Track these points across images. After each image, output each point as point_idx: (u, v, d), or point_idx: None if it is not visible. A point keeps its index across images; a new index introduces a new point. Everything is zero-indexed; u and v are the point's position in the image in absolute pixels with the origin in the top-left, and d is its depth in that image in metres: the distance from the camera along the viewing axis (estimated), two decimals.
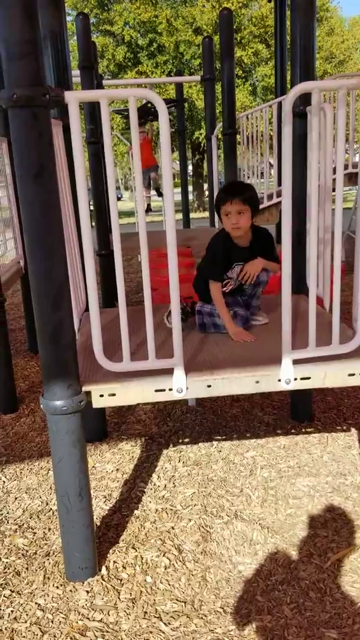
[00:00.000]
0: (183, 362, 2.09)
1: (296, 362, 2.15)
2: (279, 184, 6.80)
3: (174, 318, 2.04)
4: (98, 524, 2.56)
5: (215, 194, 6.87)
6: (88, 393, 2.11)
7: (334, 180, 2.27)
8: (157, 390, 2.12)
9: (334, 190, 2.16)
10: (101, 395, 2.11)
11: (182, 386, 2.11)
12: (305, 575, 2.18)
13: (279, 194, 6.49)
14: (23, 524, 2.61)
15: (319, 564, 2.24)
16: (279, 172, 7.20)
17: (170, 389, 2.12)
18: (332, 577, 2.16)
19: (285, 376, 2.14)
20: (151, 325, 2.06)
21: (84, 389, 2.09)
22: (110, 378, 2.13)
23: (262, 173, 7.70)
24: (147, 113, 8.78)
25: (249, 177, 7.62)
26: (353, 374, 2.18)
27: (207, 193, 24.17)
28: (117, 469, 3.02)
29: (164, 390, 2.12)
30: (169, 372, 2.11)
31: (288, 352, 2.10)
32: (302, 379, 2.17)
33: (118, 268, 2.01)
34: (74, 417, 2.02)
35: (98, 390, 2.11)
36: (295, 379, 2.16)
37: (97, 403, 2.12)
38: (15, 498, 2.83)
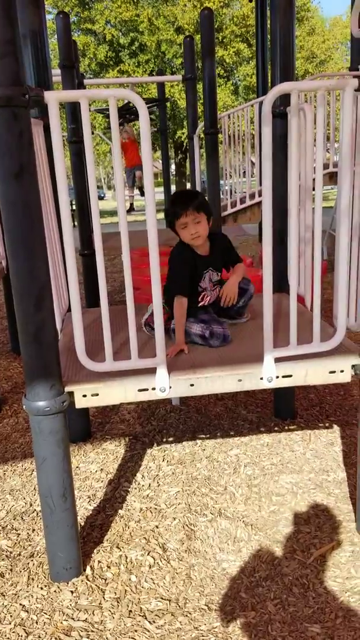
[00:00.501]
0: (166, 361, 2.10)
1: (278, 360, 2.17)
2: (261, 183, 6.85)
3: (156, 318, 2.05)
4: (82, 524, 2.56)
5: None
6: (71, 393, 2.11)
7: (314, 179, 2.30)
8: (140, 390, 2.12)
9: (314, 189, 2.18)
10: (84, 396, 2.11)
11: (165, 385, 2.12)
12: (288, 571, 2.21)
13: (260, 193, 6.53)
14: (7, 525, 2.60)
15: (302, 559, 2.26)
16: (260, 171, 7.28)
17: (154, 389, 2.12)
18: (315, 573, 2.19)
19: (267, 374, 2.16)
20: (133, 325, 2.06)
21: (67, 389, 2.09)
22: (93, 378, 2.13)
23: (244, 172, 7.74)
24: (130, 112, 8.76)
25: (231, 176, 7.65)
26: (334, 371, 2.20)
27: None
28: (101, 469, 3.02)
29: (147, 389, 2.12)
30: (151, 371, 2.11)
31: (270, 350, 2.12)
32: (284, 376, 2.19)
33: (100, 268, 2.01)
34: (57, 418, 2.02)
35: (81, 390, 2.11)
36: (277, 377, 2.17)
37: (80, 403, 2.12)
38: None
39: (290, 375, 2.18)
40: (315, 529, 2.42)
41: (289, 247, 2.71)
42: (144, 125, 1.86)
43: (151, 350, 2.21)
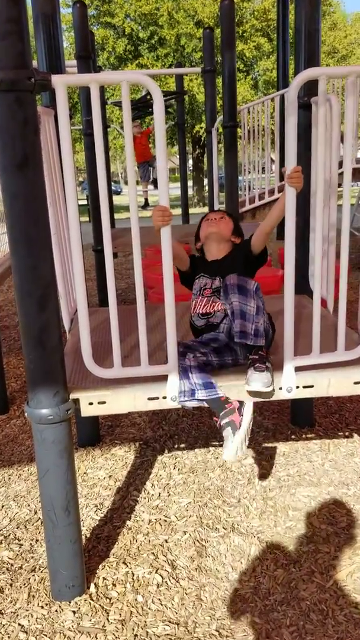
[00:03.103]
0: (177, 368, 1.95)
1: (298, 369, 2.02)
2: (281, 179, 6.64)
3: (168, 320, 1.90)
4: (88, 535, 2.43)
5: (216, 188, 6.75)
6: (76, 400, 1.97)
7: (339, 175, 2.14)
8: (150, 399, 1.98)
9: (339, 185, 2.02)
10: (90, 404, 1.97)
11: (176, 394, 1.97)
12: (306, 595, 2.05)
13: (280, 190, 6.34)
14: (9, 535, 2.48)
15: (321, 582, 2.11)
16: (280, 167, 7.07)
17: (164, 397, 1.98)
18: (335, 598, 2.03)
19: (287, 384, 2.00)
20: (144, 329, 1.92)
21: (72, 396, 1.95)
22: (100, 384, 2.00)
23: (263, 168, 7.55)
24: (147, 106, 8.60)
25: (249, 172, 7.47)
26: (359, 382, 2.04)
27: (207, 188, 24.02)
28: (110, 476, 2.89)
29: (157, 398, 1.98)
30: (163, 378, 1.97)
31: (290, 358, 1.97)
32: (304, 387, 2.03)
33: (109, 267, 1.86)
34: (61, 427, 1.89)
35: (87, 397, 1.97)
36: (298, 387, 2.02)
37: (85, 411, 1.98)
38: (2, 506, 2.69)
39: (312, 386, 2.03)
40: (335, 549, 2.26)
41: (313, 247, 2.55)
42: (158, 113, 1.71)
43: (162, 355, 2.07)
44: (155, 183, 12.51)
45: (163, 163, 1.78)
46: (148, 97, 8.26)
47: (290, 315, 1.90)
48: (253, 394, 2.03)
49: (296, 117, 1.75)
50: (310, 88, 2.63)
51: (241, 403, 2.03)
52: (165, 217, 1.86)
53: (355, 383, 2.04)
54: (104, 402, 1.98)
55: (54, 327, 1.84)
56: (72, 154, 1.74)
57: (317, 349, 1.97)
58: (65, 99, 1.69)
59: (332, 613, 1.97)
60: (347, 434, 3.24)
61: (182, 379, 1.98)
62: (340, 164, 2.39)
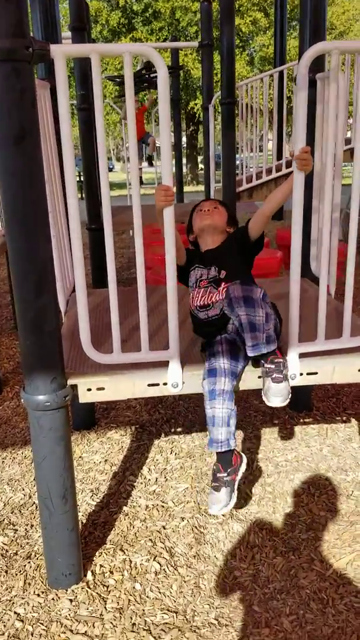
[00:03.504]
0: (179, 354, 1.89)
1: (302, 355, 1.97)
2: (279, 157, 6.53)
3: (170, 304, 1.83)
4: (84, 521, 2.39)
5: (212, 166, 6.63)
6: (74, 386, 1.91)
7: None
8: (150, 385, 1.93)
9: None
10: (88, 390, 1.92)
11: (177, 381, 1.92)
12: (305, 583, 2.03)
13: (278, 169, 6.25)
14: (3, 520, 2.44)
15: (321, 571, 2.08)
16: (278, 146, 6.94)
17: (165, 384, 1.93)
18: (335, 587, 2.01)
19: (291, 371, 1.95)
20: (144, 313, 1.85)
21: (70, 382, 1.89)
22: (99, 370, 1.94)
23: (260, 147, 7.42)
24: (142, 80, 8.41)
25: (249, 150, 7.33)
26: None
27: (201, 166, 23.71)
28: (106, 460, 2.85)
29: (157, 384, 1.93)
30: (164, 364, 1.91)
31: (295, 345, 1.91)
32: (308, 374, 1.98)
33: (109, 248, 1.79)
34: (59, 414, 1.83)
35: (85, 383, 1.91)
36: (302, 374, 1.97)
37: (84, 398, 1.93)
38: None
39: (316, 373, 1.98)
40: (335, 537, 2.24)
41: (315, 229, 2.48)
42: (162, 87, 1.63)
43: (163, 339, 2.01)
44: (149, 160, 12.31)
45: (167, 140, 1.70)
46: (143, 71, 8.08)
47: (296, 302, 1.85)
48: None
49: (306, 93, 1.67)
50: (316, 63, 2.54)
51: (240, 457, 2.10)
52: (168, 196, 1.79)
53: None
54: (102, 389, 1.92)
55: (51, 311, 1.77)
56: (70, 128, 1.65)
57: (322, 336, 1.92)
58: (64, 70, 1.60)
59: (332, 602, 1.95)
60: (344, 418, 3.21)
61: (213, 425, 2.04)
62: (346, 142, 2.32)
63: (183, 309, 2.45)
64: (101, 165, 1.72)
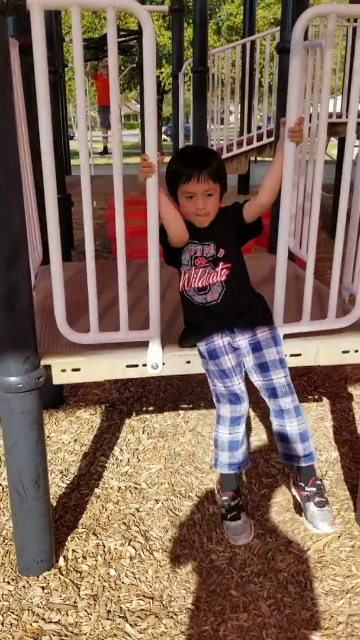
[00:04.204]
0: (160, 334, 1.81)
1: (287, 336, 1.91)
2: (248, 130, 6.41)
3: (152, 282, 1.74)
4: (54, 504, 2.31)
5: (181, 137, 6.45)
6: (47, 367, 1.81)
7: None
8: (128, 366, 1.84)
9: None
10: (63, 370, 1.82)
11: (157, 362, 1.84)
12: (283, 566, 2.01)
13: (249, 141, 6.13)
14: None
15: (298, 553, 2.06)
16: (241, 118, 6.77)
17: (145, 365, 1.84)
18: (313, 569, 1.99)
19: None
20: (124, 291, 1.75)
21: (43, 362, 1.79)
22: (74, 350, 1.84)
23: (224, 119, 7.25)
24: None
25: (220, 122, 7.16)
26: (348, 351, 1.95)
27: (163, 137, 23.27)
28: (75, 440, 2.76)
29: (136, 365, 1.84)
30: (143, 345, 1.83)
31: (279, 326, 1.85)
32: (292, 355, 1.93)
33: (87, 219, 1.67)
34: (31, 396, 1.73)
35: (60, 364, 1.81)
36: (285, 355, 1.91)
37: (58, 379, 1.83)
38: None
39: (300, 354, 1.93)
40: None
41: (297, 204, 2.41)
42: (148, 46, 1.51)
43: (141, 318, 1.92)
44: None
45: (152, 107, 1.58)
46: None
47: (282, 280, 1.78)
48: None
49: (300, 60, 1.58)
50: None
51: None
52: (145, 167, 1.66)
53: (344, 352, 1.95)
54: (78, 370, 1.82)
55: (24, 287, 1.66)
56: (48, 93, 1.52)
57: (307, 317, 1.87)
58: (42, 24, 1.46)
59: (310, 585, 1.93)
60: (316, 397, 3.20)
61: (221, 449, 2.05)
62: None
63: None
64: (81, 131, 1.59)
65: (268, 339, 1.89)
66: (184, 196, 1.85)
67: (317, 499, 1.98)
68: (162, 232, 1.82)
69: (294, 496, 2.16)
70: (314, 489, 2.00)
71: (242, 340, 1.92)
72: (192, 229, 1.90)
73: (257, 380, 1.97)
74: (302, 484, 2.04)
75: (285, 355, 1.92)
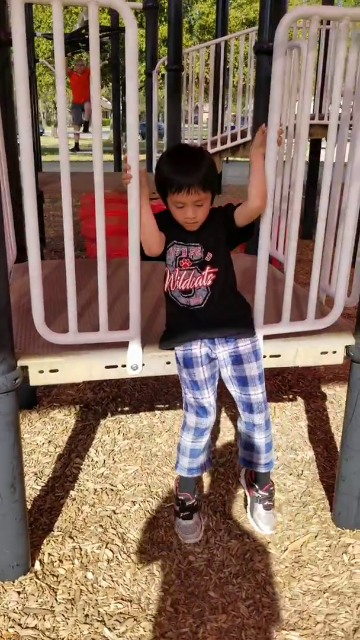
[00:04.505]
0: (140, 334, 1.79)
1: (265, 337, 1.91)
2: (222, 130, 6.41)
3: (132, 280, 1.71)
4: (29, 507, 2.26)
5: (155, 135, 6.41)
6: (25, 368, 1.77)
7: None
8: (108, 367, 1.81)
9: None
10: (41, 372, 1.78)
11: (137, 363, 1.82)
12: (261, 566, 2.01)
13: (222, 141, 6.13)
14: None
15: (275, 553, 2.07)
16: (214, 118, 6.75)
17: (124, 366, 1.82)
18: (290, 570, 2.00)
19: None
20: (104, 291, 1.73)
21: (20, 363, 1.75)
22: (52, 351, 1.80)
23: (195, 118, 7.22)
24: (83, 41, 8.01)
25: (193, 122, 7.15)
26: (326, 352, 1.97)
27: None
28: (49, 441, 2.72)
29: (116, 366, 1.82)
30: (123, 345, 1.80)
31: (259, 327, 1.85)
32: (271, 356, 1.93)
33: (66, 215, 1.64)
34: (8, 398, 1.69)
35: (37, 365, 1.78)
36: (265, 357, 1.92)
37: (35, 380, 1.79)
38: None
39: (279, 355, 1.93)
40: (288, 519, 2.23)
41: (274, 205, 2.41)
42: (131, 42, 1.48)
43: (120, 317, 1.90)
44: (85, 127, 11.90)
45: (134, 109, 1.55)
46: (82, 31, 7.70)
47: (263, 281, 1.78)
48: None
49: (284, 61, 1.58)
50: (272, 34, 2.45)
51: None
52: (128, 175, 1.64)
53: (322, 353, 1.96)
54: (56, 370, 1.79)
55: (1, 285, 1.62)
56: (27, 88, 1.48)
57: (287, 318, 1.87)
58: (22, 18, 1.42)
59: (289, 585, 1.94)
60: (290, 397, 3.22)
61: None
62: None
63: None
64: (60, 128, 1.56)
65: (250, 353, 1.86)
66: (173, 204, 1.76)
67: (266, 502, 2.09)
68: None
69: (245, 493, 2.22)
70: (267, 494, 2.09)
71: (223, 352, 1.88)
72: (179, 230, 1.82)
73: (234, 391, 1.95)
74: (257, 486, 2.10)
75: (265, 357, 1.92)
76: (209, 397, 1.93)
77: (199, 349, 1.87)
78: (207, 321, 1.84)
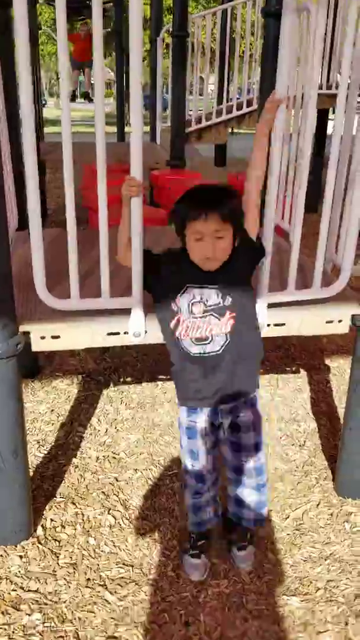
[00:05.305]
0: (142, 301, 1.77)
1: (270, 306, 1.88)
2: (227, 99, 6.27)
3: (135, 245, 1.68)
4: (31, 474, 2.27)
5: (159, 106, 6.28)
6: (26, 333, 1.76)
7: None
8: (110, 334, 1.79)
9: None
10: (42, 337, 1.77)
11: (140, 330, 1.80)
12: (262, 533, 2.02)
13: (228, 110, 6.02)
14: None
15: (277, 521, 2.08)
16: (220, 87, 6.62)
17: (126, 332, 1.80)
18: (292, 537, 2.01)
19: (259, 320, 1.87)
20: (106, 257, 1.70)
21: (22, 328, 1.74)
22: (54, 317, 1.78)
23: (201, 89, 7.10)
24: (87, 7, 7.84)
25: (198, 93, 7.02)
26: (331, 321, 1.94)
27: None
28: (52, 410, 2.72)
29: (118, 333, 1.80)
30: (125, 312, 1.78)
31: (264, 295, 1.82)
32: (275, 325, 1.91)
33: (68, 184, 1.61)
34: (10, 363, 1.68)
35: (39, 330, 1.76)
36: (269, 325, 1.90)
37: (37, 346, 1.78)
38: None
39: (283, 324, 1.91)
40: (290, 488, 2.24)
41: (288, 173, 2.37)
42: (135, 10, 1.43)
43: (122, 284, 1.87)
44: (87, 97, 11.71)
45: (138, 102, 1.51)
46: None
47: (268, 248, 1.74)
48: None
49: (291, 21, 1.53)
50: None
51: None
52: (132, 187, 1.58)
53: (327, 322, 1.94)
54: (58, 337, 1.77)
55: (2, 252, 1.60)
56: (29, 54, 1.43)
57: (292, 286, 1.85)
58: None
59: (290, 552, 1.95)
60: (294, 369, 3.21)
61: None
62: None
63: None
64: (63, 94, 1.52)
65: (249, 424, 1.75)
66: (192, 238, 1.58)
67: (240, 544, 1.92)
68: (146, 278, 1.72)
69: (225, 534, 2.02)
70: (245, 543, 1.92)
71: (225, 420, 1.75)
72: (194, 270, 1.62)
73: (226, 453, 1.82)
74: (235, 535, 1.95)
75: (269, 325, 1.90)
76: (206, 465, 1.80)
77: (203, 422, 1.74)
78: (217, 380, 1.68)
